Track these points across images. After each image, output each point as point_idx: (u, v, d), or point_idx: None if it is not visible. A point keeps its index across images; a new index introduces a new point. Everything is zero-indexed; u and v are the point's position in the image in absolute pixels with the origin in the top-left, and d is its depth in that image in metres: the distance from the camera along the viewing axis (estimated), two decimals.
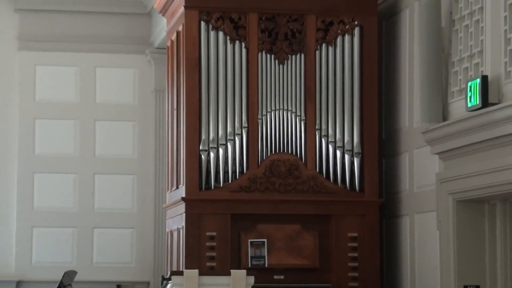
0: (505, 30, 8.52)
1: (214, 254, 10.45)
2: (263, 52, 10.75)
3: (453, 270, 9.23)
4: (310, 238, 10.68)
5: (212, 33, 10.67)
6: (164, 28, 12.31)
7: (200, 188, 10.56)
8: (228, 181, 10.61)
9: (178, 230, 10.94)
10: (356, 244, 10.65)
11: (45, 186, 13.92)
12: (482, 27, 8.95)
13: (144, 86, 14.18)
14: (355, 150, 10.71)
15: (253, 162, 10.66)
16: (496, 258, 9.17)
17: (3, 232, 13.85)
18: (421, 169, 10.21)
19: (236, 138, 10.63)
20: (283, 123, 10.74)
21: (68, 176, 13.98)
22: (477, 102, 8.62)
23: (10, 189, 13.90)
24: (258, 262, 10.47)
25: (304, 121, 10.74)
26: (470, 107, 8.77)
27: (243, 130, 10.65)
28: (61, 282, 11.93)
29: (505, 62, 8.51)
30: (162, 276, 10.38)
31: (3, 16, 14.00)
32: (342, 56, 10.83)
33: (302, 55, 10.80)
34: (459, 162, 9.22)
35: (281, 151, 10.73)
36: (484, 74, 8.72)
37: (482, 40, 8.96)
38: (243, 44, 10.72)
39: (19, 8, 13.97)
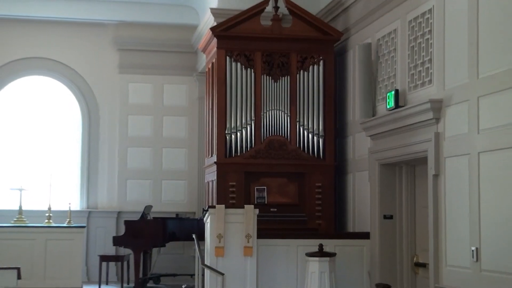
0: (408, 62, 8.54)
1: (234, 195, 10.41)
2: (264, 75, 10.68)
3: (377, 206, 9.22)
4: (292, 186, 10.64)
5: (233, 64, 10.61)
6: (205, 61, 12.23)
7: (226, 156, 10.51)
8: (243, 152, 10.55)
9: (212, 181, 10.91)
10: (320, 190, 10.58)
11: (134, 155, 13.84)
12: (396, 60, 8.95)
13: (192, 95, 14.03)
14: (320, 134, 10.65)
15: (258, 141, 10.60)
16: (402, 199, 9.15)
17: (111, 182, 13.77)
18: (360, 145, 10.18)
19: (248, 126, 10.58)
20: (277, 118, 10.66)
21: (146, 149, 13.87)
22: (392, 105, 8.64)
23: (114, 158, 13.83)
24: (261, 201, 10.48)
25: (289, 116, 10.67)
26: (388, 108, 8.78)
27: (252, 121, 10.60)
28: (143, 212, 11.98)
29: (408, 81, 8.52)
30: (203, 208, 10.38)
31: (110, 53, 13.89)
32: (313, 78, 10.74)
33: (288, 77, 10.72)
34: (382, 142, 9.20)
35: (275, 134, 10.64)
36: (396, 88, 8.74)
37: (395, 68, 8.96)
38: (252, 70, 10.66)
39: (120, 48, 13.86)
